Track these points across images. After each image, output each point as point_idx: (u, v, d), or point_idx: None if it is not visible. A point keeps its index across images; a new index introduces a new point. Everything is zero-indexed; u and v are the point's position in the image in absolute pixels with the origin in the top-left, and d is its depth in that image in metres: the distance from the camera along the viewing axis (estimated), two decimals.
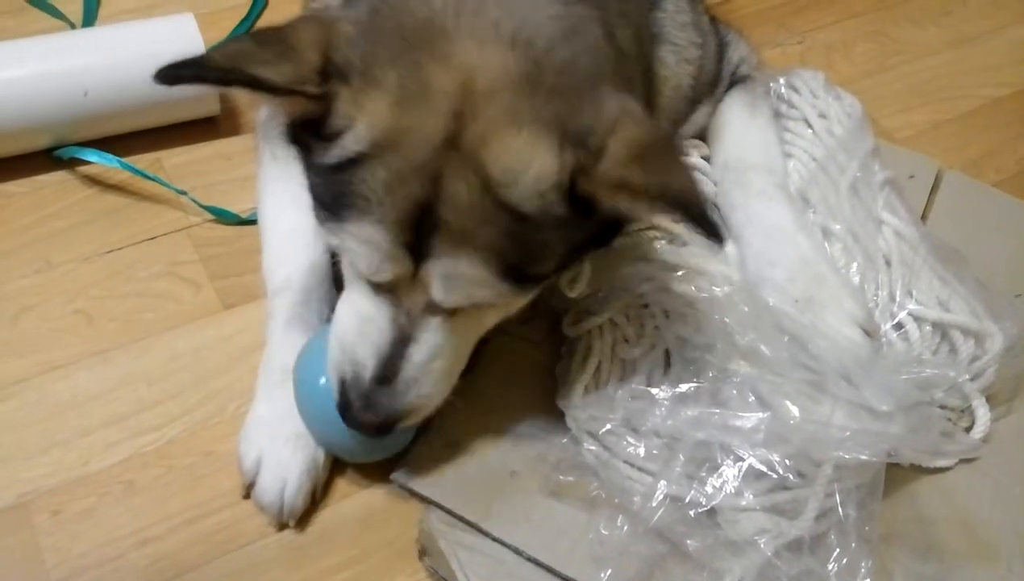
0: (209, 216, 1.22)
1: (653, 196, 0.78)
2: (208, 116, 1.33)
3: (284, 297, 1.05)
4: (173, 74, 0.79)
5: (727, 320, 0.99)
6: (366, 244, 0.81)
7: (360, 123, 0.79)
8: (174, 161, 1.30)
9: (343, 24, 0.83)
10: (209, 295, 1.14)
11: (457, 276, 0.81)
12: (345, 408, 0.89)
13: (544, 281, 0.90)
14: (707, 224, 0.77)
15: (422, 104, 0.78)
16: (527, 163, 0.78)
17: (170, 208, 1.23)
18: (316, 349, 0.95)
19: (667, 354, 1.04)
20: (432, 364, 0.88)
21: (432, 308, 0.86)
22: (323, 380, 0.92)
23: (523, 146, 0.78)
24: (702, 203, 0.77)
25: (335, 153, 0.81)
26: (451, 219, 0.78)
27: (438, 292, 0.82)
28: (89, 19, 1.46)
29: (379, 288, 0.86)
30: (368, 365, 0.87)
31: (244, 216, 1.21)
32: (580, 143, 0.79)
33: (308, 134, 0.84)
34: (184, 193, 1.22)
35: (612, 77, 0.88)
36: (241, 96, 0.86)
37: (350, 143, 0.80)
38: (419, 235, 0.79)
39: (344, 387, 0.89)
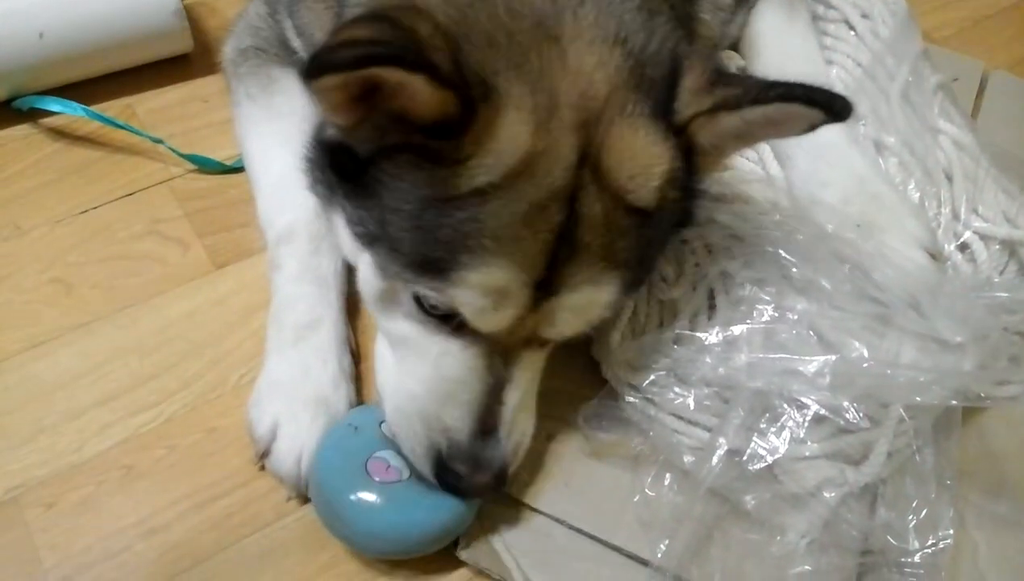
0: (191, 166, 1.10)
1: (753, 97, 0.70)
2: (180, 54, 1.20)
3: (291, 246, 0.95)
4: (333, 61, 0.62)
5: (780, 251, 0.89)
6: (492, 293, 0.71)
7: (495, 148, 0.68)
8: (147, 106, 1.18)
9: (434, 16, 0.67)
10: (198, 254, 1.04)
11: (592, 304, 0.74)
12: (450, 479, 0.78)
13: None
14: (822, 93, 0.70)
15: (555, 121, 0.69)
16: (647, 162, 0.72)
17: (147, 159, 1.11)
18: (347, 447, 0.82)
19: (711, 294, 0.94)
20: (526, 399, 0.81)
21: (532, 342, 0.78)
22: (378, 477, 0.80)
23: (641, 146, 0.72)
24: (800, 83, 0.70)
25: (456, 182, 0.68)
26: (591, 241, 0.71)
27: (561, 325, 0.75)
28: None
29: (466, 336, 0.76)
30: (465, 425, 0.77)
31: (229, 163, 1.10)
32: (672, 121, 0.73)
33: (400, 159, 0.70)
34: (160, 141, 1.10)
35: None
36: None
37: (479, 172, 0.68)
38: (551, 268, 0.71)
39: (441, 460, 0.78)
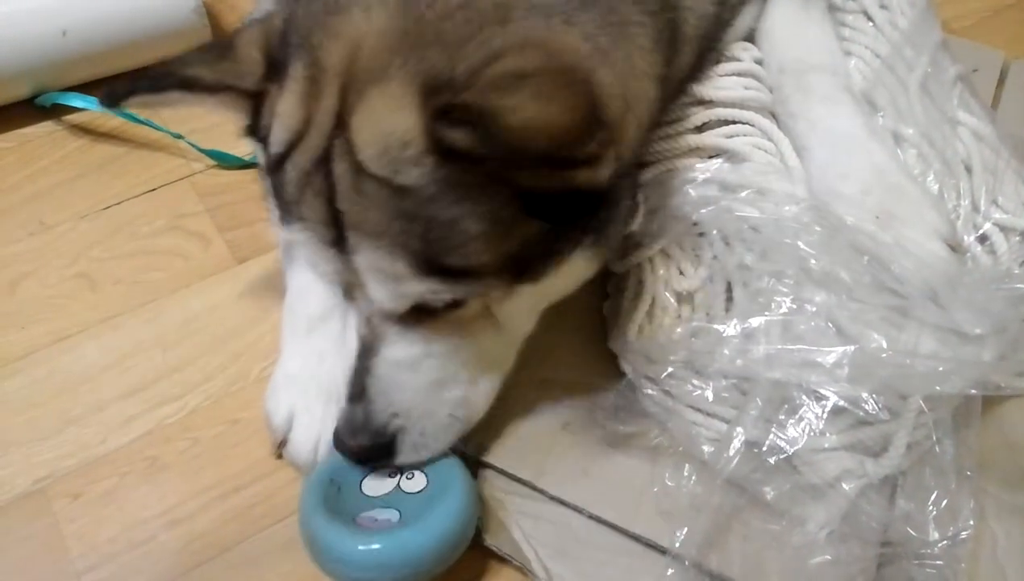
0: (211, 161, 1.11)
1: (496, 128, 0.61)
2: None
3: None
4: (113, 95, 0.78)
5: (799, 243, 0.89)
6: (303, 246, 0.76)
7: (276, 122, 0.74)
8: None
9: (276, 18, 0.77)
10: (220, 249, 1.05)
11: (376, 271, 0.73)
12: (335, 439, 0.83)
13: (487, 275, 0.74)
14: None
15: (317, 89, 0.72)
16: (389, 126, 0.67)
17: (169, 155, 1.13)
18: (334, 507, 0.80)
19: (728, 287, 0.94)
20: (400, 377, 0.80)
21: (390, 315, 0.78)
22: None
23: (383, 108, 0.68)
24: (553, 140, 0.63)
25: (269, 154, 0.76)
26: (345, 209, 0.71)
27: (371, 291, 0.75)
28: None
29: (347, 297, 0.82)
30: (345, 387, 0.82)
31: (248, 158, 1.11)
32: (448, 86, 0.66)
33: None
34: (181, 137, 1.11)
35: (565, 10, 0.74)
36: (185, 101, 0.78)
37: (273, 145, 0.75)
38: (338, 230, 0.73)
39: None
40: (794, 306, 0.87)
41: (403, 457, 0.82)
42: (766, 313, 0.87)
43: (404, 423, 0.81)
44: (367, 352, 0.80)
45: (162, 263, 1.04)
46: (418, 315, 0.77)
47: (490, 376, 0.86)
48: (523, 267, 0.75)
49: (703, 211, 0.94)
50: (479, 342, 0.82)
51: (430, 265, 0.71)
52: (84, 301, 1.01)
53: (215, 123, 1.15)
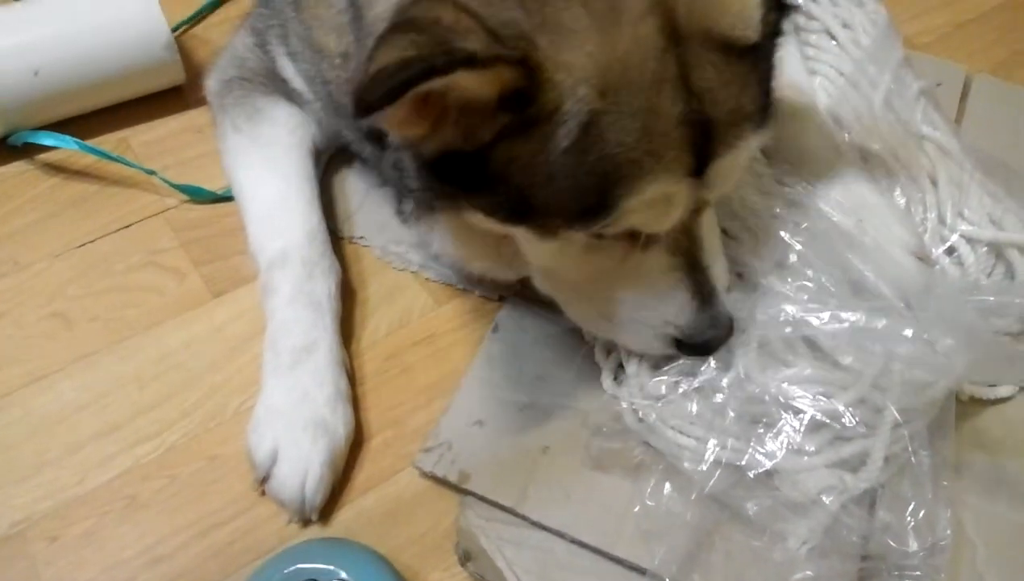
0: (185, 196, 1.11)
1: None
2: (173, 86, 1.21)
3: (284, 271, 0.96)
4: (372, 101, 0.62)
5: (783, 234, 0.91)
6: (657, 204, 0.72)
7: (573, 80, 0.66)
8: (142, 139, 1.19)
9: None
10: (195, 283, 1.05)
11: (741, 161, 0.76)
12: (695, 349, 0.86)
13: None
14: None
15: (621, 20, 0.66)
16: None
17: (142, 191, 1.13)
18: None
19: None
20: (716, 248, 0.85)
21: (700, 209, 0.80)
22: None
23: None
24: None
25: (564, 132, 0.67)
26: (720, 110, 0.70)
27: (719, 190, 0.77)
28: None
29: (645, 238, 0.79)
30: (688, 309, 0.83)
31: (220, 192, 1.11)
32: None
33: (502, 137, 0.69)
34: (153, 173, 1.11)
35: None
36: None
37: (574, 108, 0.66)
38: (698, 154, 0.71)
39: (680, 341, 0.85)
40: (771, 317, 0.87)
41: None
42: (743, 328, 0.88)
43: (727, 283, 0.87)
44: (692, 259, 0.81)
45: (137, 299, 1.03)
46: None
47: None
48: None
49: None
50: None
51: (766, 121, 0.75)
52: (60, 340, 1.00)
53: (187, 158, 1.15)
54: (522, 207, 0.73)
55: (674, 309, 0.83)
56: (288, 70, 1.04)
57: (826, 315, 0.86)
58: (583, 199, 0.70)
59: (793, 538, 0.84)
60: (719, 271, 0.85)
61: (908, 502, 0.83)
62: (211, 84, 1.12)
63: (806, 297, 0.87)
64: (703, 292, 0.83)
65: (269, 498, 0.89)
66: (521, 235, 0.80)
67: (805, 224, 0.90)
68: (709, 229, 0.83)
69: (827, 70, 1.10)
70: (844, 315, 0.85)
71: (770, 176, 0.97)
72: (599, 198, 0.70)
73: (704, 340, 0.85)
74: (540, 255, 0.84)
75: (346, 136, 1.06)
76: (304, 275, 0.95)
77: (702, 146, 0.71)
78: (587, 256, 0.81)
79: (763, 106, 0.75)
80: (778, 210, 0.92)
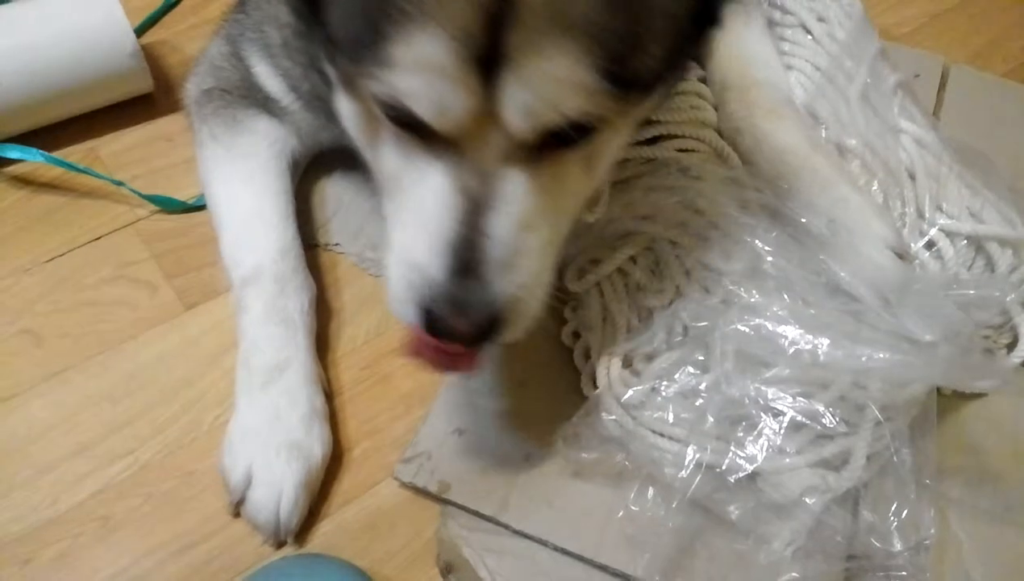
0: (155, 207, 1.09)
1: None
2: (142, 94, 1.19)
3: (256, 288, 0.94)
4: None
5: (757, 242, 0.89)
6: (427, 70, 0.60)
7: None
8: (110, 149, 1.16)
9: None
10: (167, 295, 1.03)
11: (544, 79, 0.60)
12: (432, 325, 0.69)
13: (644, 96, 0.69)
14: None
15: None
16: None
17: (112, 202, 1.10)
18: None
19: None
20: (523, 238, 0.68)
21: (511, 156, 0.66)
22: None
23: None
24: None
25: None
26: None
27: (517, 113, 0.62)
28: None
29: (435, 151, 0.67)
30: (440, 260, 0.67)
31: (191, 202, 1.09)
32: None
33: None
34: (122, 184, 1.09)
35: None
36: None
37: None
38: (490, 41, 0.59)
39: (425, 311, 0.69)
40: (750, 318, 0.87)
41: (514, 331, 0.71)
42: (720, 327, 0.87)
43: (523, 293, 0.69)
44: (476, 211, 0.66)
45: (109, 314, 1.01)
46: (534, 157, 0.67)
47: (562, 238, 0.76)
48: (652, 87, 0.70)
49: (655, 207, 0.94)
50: (572, 194, 0.73)
51: (614, 68, 0.61)
52: (29, 358, 0.98)
53: (157, 167, 1.13)
54: (329, 40, 0.69)
55: (429, 252, 0.68)
56: (264, 77, 1.02)
57: (803, 328, 0.85)
58: (354, 22, 0.63)
59: (777, 540, 0.84)
60: (511, 258, 0.68)
61: (891, 501, 0.82)
62: (190, 91, 1.09)
63: (783, 311, 0.86)
64: (466, 257, 0.67)
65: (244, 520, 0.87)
66: (341, 99, 0.74)
67: (775, 232, 0.89)
68: (524, 208, 0.68)
69: (803, 65, 1.09)
70: (821, 322, 0.84)
71: (742, 176, 0.96)
72: (367, 26, 0.61)
73: (444, 319, 0.68)
74: (353, 126, 0.75)
75: (326, 138, 1.04)
76: (276, 292, 0.93)
77: (501, 30, 0.58)
78: (385, 147, 0.72)
79: (605, 36, 0.60)
80: (748, 216, 0.90)
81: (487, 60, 0.60)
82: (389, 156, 0.72)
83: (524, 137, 0.65)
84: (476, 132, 0.65)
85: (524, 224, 0.68)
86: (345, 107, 0.75)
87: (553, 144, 0.67)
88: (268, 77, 1.01)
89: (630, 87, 0.64)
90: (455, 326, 0.68)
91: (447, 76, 0.60)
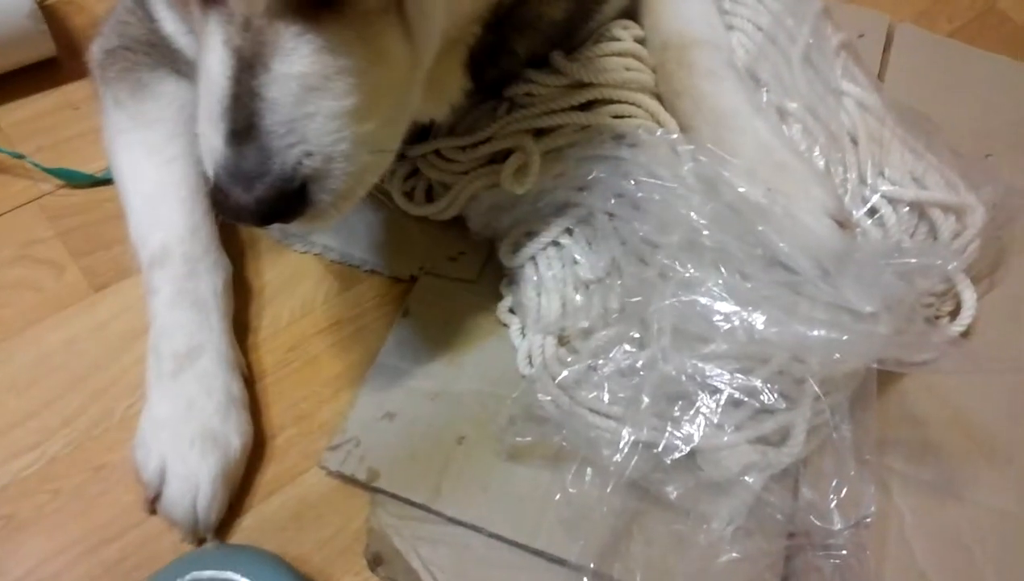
0: (60, 181, 1.02)
1: None
2: (44, 59, 1.11)
3: (165, 269, 0.88)
4: None
5: (691, 214, 0.85)
6: None
7: None
8: (12, 118, 1.09)
9: None
10: (74, 276, 0.96)
11: None
12: (218, 200, 0.65)
13: None
14: None
15: None
16: None
17: (13, 177, 1.03)
18: None
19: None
20: (307, 101, 0.62)
21: (281, 10, 0.61)
22: None
23: None
24: None
25: None
26: None
27: None
28: None
29: (211, 6, 0.63)
30: (214, 125, 0.63)
31: (99, 175, 1.02)
32: None
33: None
34: (22, 157, 1.02)
35: None
36: None
37: None
38: None
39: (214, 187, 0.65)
40: (686, 294, 0.83)
41: (317, 210, 0.66)
42: (655, 302, 0.84)
43: (319, 165, 0.64)
44: (249, 70, 0.62)
45: (11, 298, 0.95)
46: (315, 13, 0.62)
47: (398, 115, 0.71)
48: None
49: (591, 177, 0.90)
50: (387, 57, 0.68)
51: None
52: None
53: (63, 138, 1.06)
54: None
55: (206, 125, 0.64)
56: (167, 24, 0.94)
57: (739, 303, 0.82)
58: None
59: (716, 520, 0.82)
60: (287, 116, 0.62)
61: (831, 479, 0.80)
62: (94, 53, 1.01)
63: (720, 286, 0.82)
64: (241, 121, 0.62)
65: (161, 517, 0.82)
66: None
67: (711, 204, 0.85)
68: (307, 70, 0.62)
69: (744, 25, 1.05)
70: (759, 296, 0.81)
71: (678, 140, 0.92)
72: None
73: (226, 191, 0.63)
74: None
75: None
76: (186, 273, 0.87)
77: None
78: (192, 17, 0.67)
79: None
80: (686, 186, 0.86)
81: None
82: (194, 21, 0.66)
83: None
84: None
85: (309, 86, 0.62)
86: None
87: None
88: (171, 23, 0.93)
89: None
90: (238, 199, 0.63)
91: None
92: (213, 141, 0.64)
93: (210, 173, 0.66)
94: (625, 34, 1.02)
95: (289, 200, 0.64)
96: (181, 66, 0.96)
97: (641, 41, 1.02)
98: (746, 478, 0.82)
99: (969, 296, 0.96)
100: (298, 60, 0.62)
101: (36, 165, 1.01)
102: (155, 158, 0.91)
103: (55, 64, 1.12)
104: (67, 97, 1.10)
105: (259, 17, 0.61)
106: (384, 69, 0.68)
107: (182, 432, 0.82)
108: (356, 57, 0.64)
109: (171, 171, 0.91)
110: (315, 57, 0.62)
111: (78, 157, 1.04)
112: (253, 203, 0.63)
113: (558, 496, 0.84)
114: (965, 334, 0.97)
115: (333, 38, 0.63)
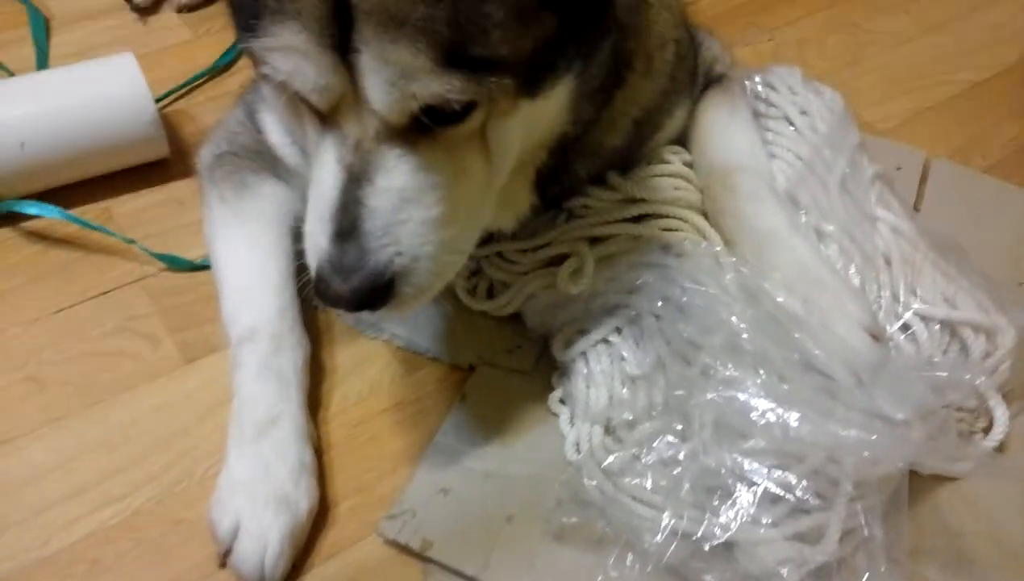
0: (163, 265, 1.14)
1: None
2: (157, 159, 1.25)
3: (252, 345, 0.97)
4: None
5: (732, 318, 0.92)
6: (289, 52, 0.69)
7: None
8: (124, 209, 1.22)
9: None
10: (169, 349, 1.06)
11: (389, 67, 0.67)
12: (320, 288, 0.76)
13: (504, 72, 0.72)
14: None
15: None
16: None
17: (122, 259, 1.15)
18: None
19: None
20: (402, 210, 0.74)
21: (387, 136, 0.73)
22: None
23: None
24: None
25: None
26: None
27: (375, 95, 0.69)
28: (42, 62, 1.40)
29: (327, 129, 0.75)
30: (323, 227, 0.74)
31: (198, 261, 1.14)
32: None
33: None
34: (133, 242, 1.14)
35: None
36: None
37: None
38: (342, 29, 0.67)
39: (316, 277, 0.77)
40: (727, 390, 0.90)
41: (401, 301, 0.77)
42: (696, 397, 0.90)
43: (407, 263, 0.75)
44: (356, 182, 0.73)
45: (111, 364, 1.05)
46: (413, 138, 0.73)
47: (473, 224, 0.83)
48: (530, 74, 0.75)
49: (639, 282, 0.98)
50: (470, 176, 0.79)
51: (452, 55, 0.67)
52: (32, 403, 1.01)
53: (168, 228, 1.19)
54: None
55: (315, 225, 0.76)
56: (275, 137, 1.07)
57: (777, 402, 0.88)
58: (248, 12, 0.70)
59: None
60: (392, 230, 0.74)
61: (862, 575, 0.83)
62: (203, 155, 1.14)
63: (759, 386, 0.88)
64: (344, 224, 0.73)
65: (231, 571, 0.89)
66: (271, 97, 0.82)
67: (752, 310, 0.92)
68: (402, 184, 0.74)
69: (785, 154, 1.15)
70: (796, 397, 0.87)
71: (724, 255, 1.01)
72: (253, 14, 0.70)
73: (327, 281, 0.75)
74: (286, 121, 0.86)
75: None
76: (271, 350, 0.96)
77: (350, 21, 0.67)
78: (305, 130, 0.80)
79: (435, 27, 0.66)
80: (728, 294, 0.94)
81: (344, 49, 0.68)
82: (307, 138, 0.79)
83: (391, 117, 0.71)
84: (351, 112, 0.72)
85: (405, 198, 0.74)
86: (271, 99, 0.82)
87: (432, 124, 0.72)
88: (276, 135, 1.07)
89: (480, 69, 0.69)
90: (337, 289, 0.74)
91: (310, 60, 0.69)
92: (319, 239, 0.75)
93: (313, 265, 0.78)
94: (675, 158, 1.13)
95: (379, 291, 0.75)
96: (280, 172, 1.09)
97: (689, 165, 1.13)
98: (782, 571, 0.86)
99: (1001, 413, 1.00)
100: (398, 176, 0.74)
101: (144, 249, 1.14)
102: (252, 249, 1.03)
103: (166, 164, 1.26)
104: (174, 193, 1.24)
105: (369, 141, 0.73)
106: (466, 185, 0.79)
107: (257, 493, 0.89)
108: (444, 174, 0.76)
109: (265, 261, 1.02)
110: (412, 174, 0.74)
111: (180, 245, 1.16)
112: (349, 292, 0.75)
113: (600, 578, 0.88)
114: (999, 450, 1.00)
115: (427, 159, 0.75)
